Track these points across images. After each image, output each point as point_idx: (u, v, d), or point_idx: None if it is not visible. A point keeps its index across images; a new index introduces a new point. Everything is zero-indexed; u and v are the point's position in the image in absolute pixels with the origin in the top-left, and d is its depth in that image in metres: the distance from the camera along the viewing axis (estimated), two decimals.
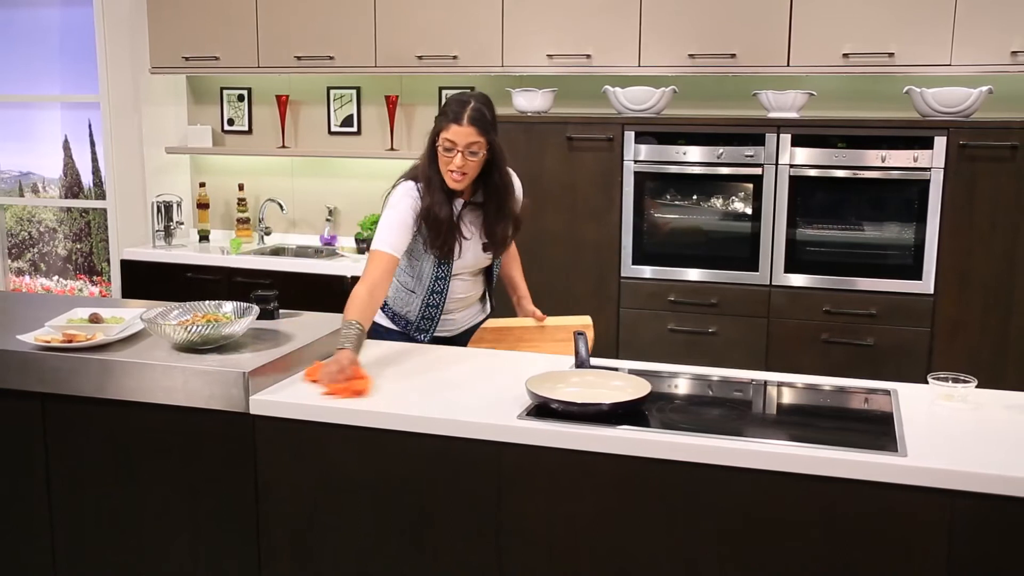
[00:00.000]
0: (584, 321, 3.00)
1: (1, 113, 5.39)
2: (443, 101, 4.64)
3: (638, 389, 2.24)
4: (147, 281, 4.68)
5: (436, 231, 2.75)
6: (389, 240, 2.71)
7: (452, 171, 2.70)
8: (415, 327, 2.91)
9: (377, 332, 2.94)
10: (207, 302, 2.59)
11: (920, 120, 3.76)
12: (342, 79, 4.83)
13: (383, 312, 2.97)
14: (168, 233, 4.87)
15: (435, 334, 2.93)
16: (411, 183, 2.80)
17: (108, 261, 5.14)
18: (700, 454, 2.00)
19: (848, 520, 1.93)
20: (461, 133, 2.67)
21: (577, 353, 2.48)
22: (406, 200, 2.77)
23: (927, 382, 2.31)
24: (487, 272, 3.00)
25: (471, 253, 2.87)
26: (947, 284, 3.70)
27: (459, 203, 2.82)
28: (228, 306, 2.57)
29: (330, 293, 4.35)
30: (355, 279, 4.26)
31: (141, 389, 2.33)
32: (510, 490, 2.13)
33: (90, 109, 5.17)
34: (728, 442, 2.00)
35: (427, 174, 2.76)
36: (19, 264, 5.53)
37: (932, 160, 3.66)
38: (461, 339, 3.00)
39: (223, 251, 4.75)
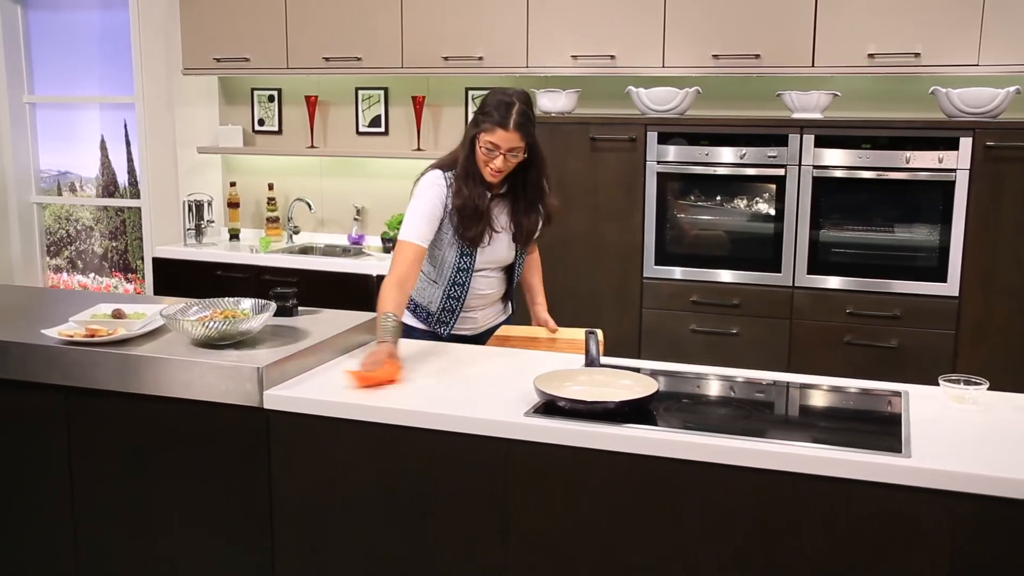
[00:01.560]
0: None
1: (41, 113, 5.52)
2: (472, 99, 4.68)
3: (646, 388, 2.25)
4: (179, 279, 4.77)
5: (470, 221, 2.80)
6: (416, 231, 2.77)
7: (491, 169, 2.75)
8: (435, 319, 2.94)
9: (404, 331, 2.98)
10: (226, 299, 2.64)
11: (945, 121, 3.72)
12: (370, 80, 4.89)
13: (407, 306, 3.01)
14: (199, 232, 4.95)
15: (455, 331, 2.96)
16: (439, 172, 2.85)
17: (142, 259, 5.24)
18: (704, 453, 2.01)
19: (851, 520, 1.93)
20: (506, 138, 2.70)
21: (587, 352, 2.49)
22: (432, 190, 2.82)
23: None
24: (509, 271, 3.03)
25: (501, 245, 2.90)
26: (972, 286, 3.65)
27: (487, 195, 2.86)
28: (246, 303, 2.62)
29: (357, 292, 4.40)
30: (382, 278, 4.37)
31: (160, 383, 2.38)
32: (517, 486, 2.15)
33: (126, 110, 5.28)
34: (732, 441, 2.01)
35: (466, 167, 2.79)
36: (57, 261, 5.66)
37: (957, 161, 3.62)
38: (481, 338, 3.02)
39: (252, 249, 4.82)
